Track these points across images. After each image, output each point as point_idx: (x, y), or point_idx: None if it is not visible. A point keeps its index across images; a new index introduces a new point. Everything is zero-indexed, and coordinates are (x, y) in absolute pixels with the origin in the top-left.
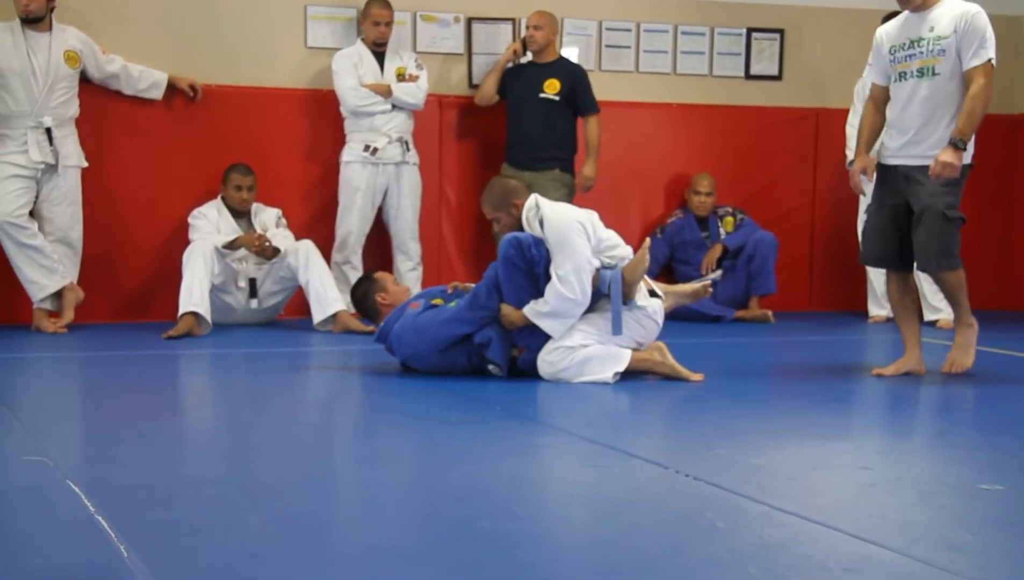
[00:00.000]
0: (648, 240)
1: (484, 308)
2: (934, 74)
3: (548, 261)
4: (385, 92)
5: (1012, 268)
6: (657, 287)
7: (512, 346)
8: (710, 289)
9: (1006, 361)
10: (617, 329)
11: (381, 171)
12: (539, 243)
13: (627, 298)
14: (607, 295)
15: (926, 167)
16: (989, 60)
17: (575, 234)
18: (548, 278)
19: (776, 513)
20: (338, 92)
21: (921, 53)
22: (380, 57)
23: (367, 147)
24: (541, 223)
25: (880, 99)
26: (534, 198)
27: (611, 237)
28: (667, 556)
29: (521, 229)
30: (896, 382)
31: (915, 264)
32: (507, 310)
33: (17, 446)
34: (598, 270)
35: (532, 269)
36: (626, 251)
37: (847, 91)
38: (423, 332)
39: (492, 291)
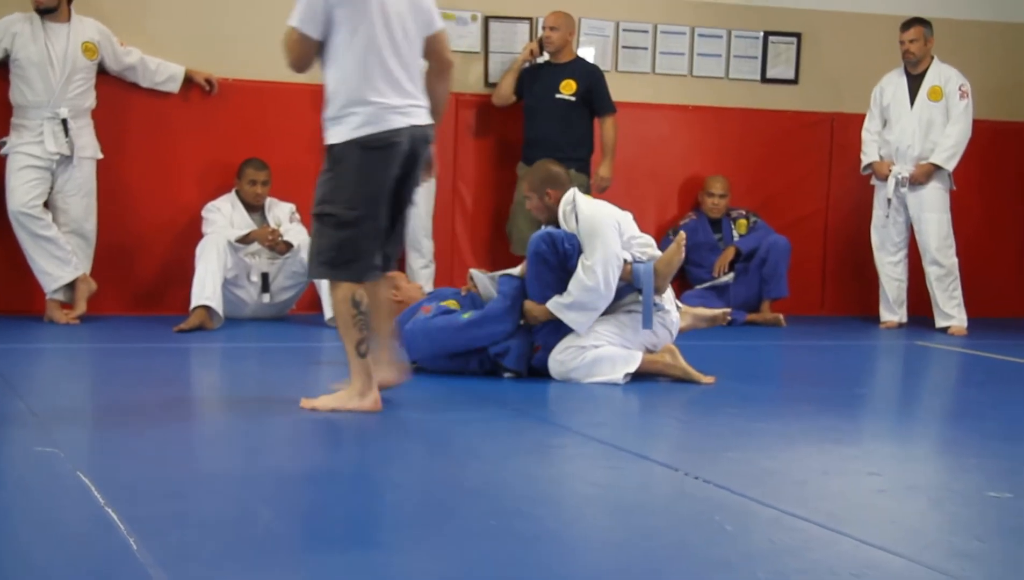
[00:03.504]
0: (682, 233)
1: (499, 322)
2: None
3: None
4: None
5: None
6: (679, 303)
7: (531, 345)
8: (729, 318)
9: (1017, 369)
10: (648, 322)
11: None
12: (571, 237)
13: (659, 291)
14: (637, 290)
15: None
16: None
17: (607, 228)
18: None
19: (786, 517)
20: None
21: None
22: None
23: None
24: (576, 219)
25: None
26: (572, 192)
27: (644, 237)
28: (676, 558)
29: (554, 218)
30: (906, 388)
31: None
32: (530, 305)
33: (28, 437)
34: (630, 264)
35: (564, 264)
36: (657, 254)
37: (864, 96)
38: (434, 338)
39: (508, 309)
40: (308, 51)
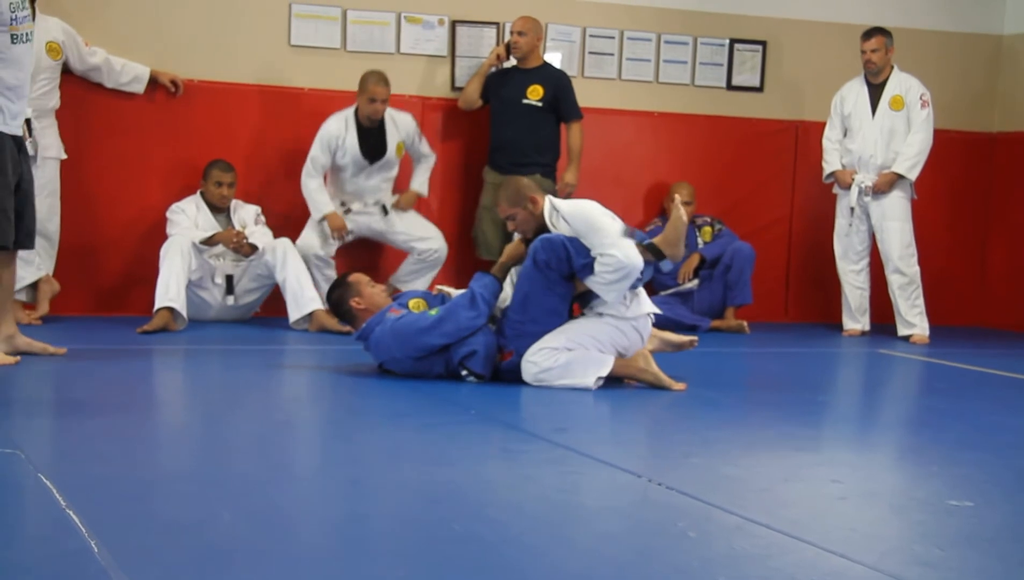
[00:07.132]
0: (677, 197)
1: (467, 309)
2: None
3: (585, 253)
4: (341, 229)
5: (987, 285)
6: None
7: (499, 351)
8: (696, 343)
9: (979, 378)
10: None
11: (363, 222)
12: (571, 239)
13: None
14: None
15: None
16: None
17: (602, 216)
18: (587, 271)
19: (747, 524)
20: (306, 164)
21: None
22: (378, 132)
23: (343, 204)
24: (564, 218)
25: None
26: (550, 201)
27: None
28: (637, 565)
29: (541, 228)
30: (868, 396)
31: None
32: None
33: None
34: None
35: (570, 265)
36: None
37: (825, 104)
38: (400, 337)
39: (473, 299)
40: None
